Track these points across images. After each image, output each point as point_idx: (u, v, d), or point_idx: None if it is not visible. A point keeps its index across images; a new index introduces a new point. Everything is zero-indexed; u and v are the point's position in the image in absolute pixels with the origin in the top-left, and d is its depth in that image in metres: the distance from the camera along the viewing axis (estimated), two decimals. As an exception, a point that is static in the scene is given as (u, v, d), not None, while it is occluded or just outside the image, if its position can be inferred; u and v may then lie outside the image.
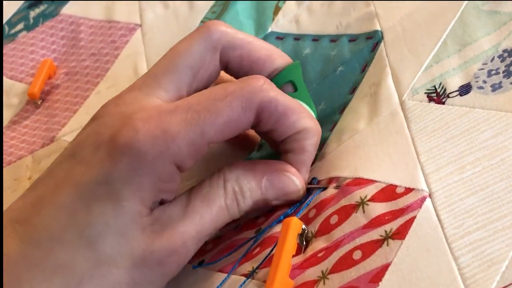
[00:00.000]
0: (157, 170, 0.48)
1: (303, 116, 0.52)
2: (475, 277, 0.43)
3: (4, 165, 0.77)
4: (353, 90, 0.60)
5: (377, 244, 0.47)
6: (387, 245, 0.46)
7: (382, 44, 0.61)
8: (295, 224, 0.50)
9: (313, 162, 0.57)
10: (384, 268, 0.45)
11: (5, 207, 0.71)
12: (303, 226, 0.51)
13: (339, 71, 0.62)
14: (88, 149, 0.50)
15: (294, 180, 0.53)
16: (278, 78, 0.56)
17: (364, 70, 0.60)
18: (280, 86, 0.55)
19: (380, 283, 0.45)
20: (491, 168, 0.47)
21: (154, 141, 0.48)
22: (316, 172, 0.56)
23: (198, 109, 0.49)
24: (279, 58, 0.57)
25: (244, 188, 0.51)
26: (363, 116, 0.56)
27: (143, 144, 0.48)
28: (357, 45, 0.63)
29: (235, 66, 0.56)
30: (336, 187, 0.53)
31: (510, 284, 0.42)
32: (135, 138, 0.48)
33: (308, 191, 0.55)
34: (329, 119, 0.60)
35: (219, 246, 0.56)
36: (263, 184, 0.52)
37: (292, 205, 0.55)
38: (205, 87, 0.55)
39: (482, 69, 0.53)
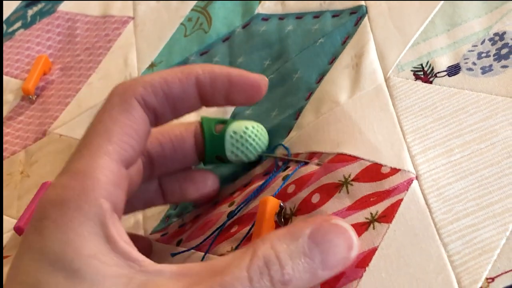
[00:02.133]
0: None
1: None
2: (465, 265, 0.40)
3: (-3, 160, 0.75)
4: (332, 61, 0.58)
5: (363, 227, 0.44)
6: (373, 228, 0.43)
7: (366, 19, 0.58)
8: (272, 204, 0.47)
9: (289, 132, 0.54)
10: (371, 252, 0.42)
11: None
12: (281, 204, 0.47)
13: (319, 43, 0.60)
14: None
15: (345, 227, 0.41)
16: (206, 128, 0.53)
17: (345, 42, 0.58)
18: (213, 128, 0.53)
19: (367, 268, 0.42)
20: (481, 152, 0.44)
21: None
22: (294, 144, 0.53)
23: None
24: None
25: (281, 255, 0.39)
26: (345, 88, 0.54)
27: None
28: (340, 20, 0.61)
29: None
30: (318, 164, 0.49)
31: (502, 273, 0.39)
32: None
33: (284, 164, 0.52)
34: (304, 88, 0.57)
35: (196, 224, 0.54)
36: (307, 245, 0.40)
37: (265, 177, 0.52)
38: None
39: (472, 50, 0.51)
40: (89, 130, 0.44)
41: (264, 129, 0.54)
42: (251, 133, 0.53)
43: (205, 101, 0.48)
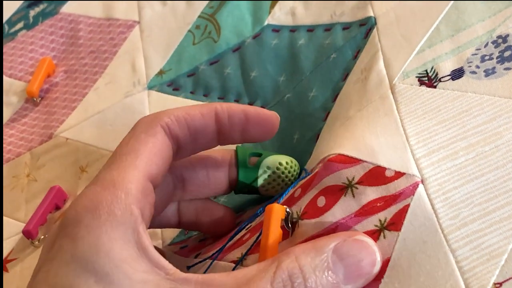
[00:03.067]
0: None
1: None
2: (473, 270, 0.40)
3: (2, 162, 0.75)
4: (345, 77, 0.58)
5: (374, 235, 0.43)
6: (384, 237, 0.43)
7: (375, 30, 0.58)
8: (277, 210, 0.46)
9: (310, 155, 0.55)
10: (385, 263, 0.42)
11: (4, 205, 0.70)
12: (287, 209, 0.47)
13: (332, 58, 0.60)
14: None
15: (369, 242, 0.42)
16: (240, 156, 0.54)
17: (356, 56, 0.58)
18: (247, 160, 0.54)
19: (382, 280, 0.42)
20: (485, 155, 0.44)
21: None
22: (311, 163, 0.53)
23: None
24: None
25: (305, 268, 0.40)
26: (354, 102, 0.54)
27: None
28: (350, 33, 0.61)
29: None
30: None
31: (510, 278, 0.39)
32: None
33: None
34: (322, 108, 0.58)
35: (218, 240, 0.54)
36: (331, 258, 0.41)
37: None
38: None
39: (475, 54, 0.51)
40: (116, 151, 0.46)
41: (297, 164, 0.54)
42: (284, 169, 0.53)
43: (223, 137, 0.49)
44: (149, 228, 0.52)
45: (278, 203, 0.48)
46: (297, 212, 0.47)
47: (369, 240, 0.42)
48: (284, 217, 0.47)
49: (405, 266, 0.41)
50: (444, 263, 0.40)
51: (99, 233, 0.40)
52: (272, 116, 0.50)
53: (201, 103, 0.65)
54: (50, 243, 0.42)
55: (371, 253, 0.42)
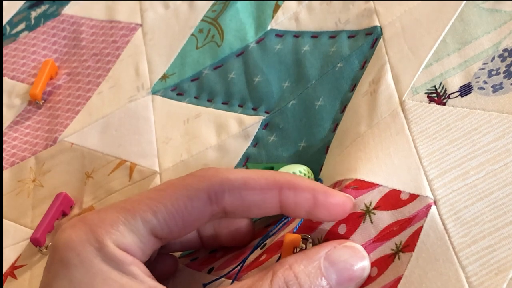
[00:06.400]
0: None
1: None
2: (482, 285, 0.41)
3: (7, 166, 0.75)
4: (353, 87, 0.58)
5: (389, 258, 0.45)
6: (399, 259, 0.45)
7: (381, 41, 0.59)
8: (288, 240, 0.47)
9: (321, 168, 0.56)
10: (396, 281, 0.44)
11: (8, 209, 0.70)
12: (307, 236, 0.48)
13: (338, 68, 0.61)
14: None
15: (358, 248, 0.45)
16: None
17: (363, 66, 0.59)
18: None
19: None
20: (495, 173, 0.45)
21: None
22: (325, 180, 0.54)
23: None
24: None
25: (300, 275, 0.43)
26: (364, 117, 0.54)
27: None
28: (356, 41, 0.61)
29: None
30: None
31: (516, 291, 0.41)
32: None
33: None
34: (330, 118, 0.58)
35: (229, 254, 0.54)
36: (323, 265, 0.44)
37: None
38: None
39: (482, 69, 0.51)
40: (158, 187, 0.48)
41: (310, 171, 0.54)
42: None
43: (286, 212, 0.47)
44: (173, 252, 0.53)
45: (296, 227, 0.49)
46: (318, 239, 0.48)
47: (358, 246, 0.45)
48: (298, 245, 0.47)
49: (416, 283, 0.43)
50: (454, 279, 0.42)
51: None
52: (345, 202, 0.47)
53: (204, 108, 0.67)
54: (47, 268, 0.45)
55: (361, 258, 0.45)
